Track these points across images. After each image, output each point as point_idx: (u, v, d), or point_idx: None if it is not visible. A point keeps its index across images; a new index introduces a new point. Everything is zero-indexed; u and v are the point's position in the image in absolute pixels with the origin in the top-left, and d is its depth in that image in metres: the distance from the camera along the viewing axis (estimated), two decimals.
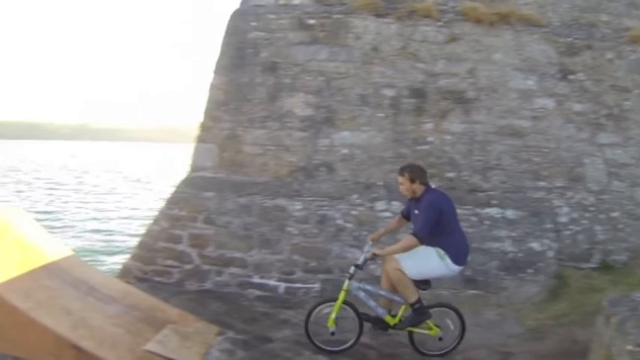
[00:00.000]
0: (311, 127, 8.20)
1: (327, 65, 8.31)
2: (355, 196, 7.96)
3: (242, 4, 8.87)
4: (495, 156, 8.20)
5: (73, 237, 18.95)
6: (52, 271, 5.96)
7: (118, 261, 14.05)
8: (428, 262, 5.24)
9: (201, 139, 8.47)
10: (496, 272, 7.48)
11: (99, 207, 28.08)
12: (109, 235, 20.36)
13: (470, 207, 7.88)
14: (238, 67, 8.41)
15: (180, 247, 7.72)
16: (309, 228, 7.70)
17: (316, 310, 5.58)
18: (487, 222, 7.83)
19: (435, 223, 5.18)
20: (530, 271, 7.51)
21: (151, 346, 5.14)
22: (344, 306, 5.48)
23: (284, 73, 8.32)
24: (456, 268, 5.32)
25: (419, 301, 5.27)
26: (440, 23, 8.43)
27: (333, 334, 5.48)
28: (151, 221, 8.30)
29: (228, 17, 8.84)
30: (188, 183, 8.23)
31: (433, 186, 5.69)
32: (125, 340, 5.18)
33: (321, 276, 7.48)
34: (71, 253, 6.69)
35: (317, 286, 7.45)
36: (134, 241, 16.31)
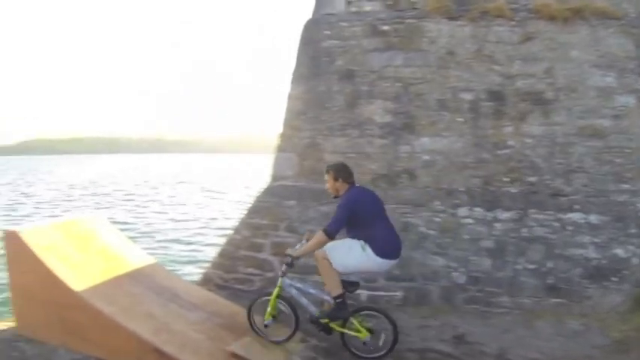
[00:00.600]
0: (391, 133, 8.09)
1: (404, 71, 8.19)
2: (437, 202, 7.81)
3: (314, 13, 8.88)
4: (577, 158, 7.84)
5: (151, 246, 19.34)
6: (135, 278, 6.16)
7: (192, 271, 14.29)
8: (351, 252, 5.30)
9: (281, 149, 8.49)
10: (579, 280, 7.15)
11: (175, 217, 28.60)
12: (186, 245, 20.67)
13: (552, 212, 7.59)
14: (315, 76, 8.40)
15: (262, 255, 7.75)
16: None
17: (258, 301, 5.78)
18: (570, 227, 7.50)
19: (348, 219, 5.29)
20: (614, 279, 7.13)
21: (234, 347, 5.24)
22: (280, 301, 5.63)
23: (361, 81, 8.25)
24: (381, 261, 5.30)
25: (341, 296, 5.32)
26: (513, 23, 8.16)
27: (266, 326, 5.66)
28: (231, 230, 8.36)
29: (301, 27, 8.88)
30: (269, 192, 8.27)
31: (357, 184, 5.83)
32: (206, 345, 5.27)
33: (404, 284, 7.34)
34: (154, 261, 6.89)
35: (399, 294, 7.31)
36: (209, 251, 16.63)
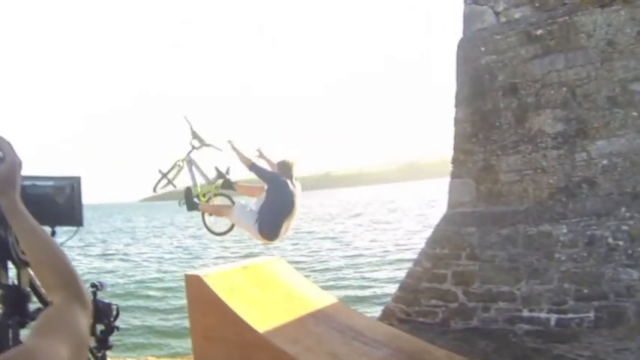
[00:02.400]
0: (564, 142, 7.60)
1: (567, 74, 7.70)
2: (623, 209, 7.18)
3: (465, 31, 8.63)
4: None
5: (328, 284, 19.54)
6: (317, 317, 6.21)
7: (370, 307, 14.21)
8: (246, 217, 6.12)
9: (455, 175, 8.33)
10: None
11: (348, 252, 28.81)
12: (362, 280, 20.63)
13: None
14: (479, 96, 8.17)
15: (445, 285, 7.63)
16: (578, 251, 7.14)
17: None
18: None
19: (268, 183, 6.09)
20: None
21: None
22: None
23: (525, 93, 7.89)
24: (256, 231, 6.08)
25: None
26: None
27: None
28: (407, 263, 8.27)
29: (456, 48, 8.67)
30: (448, 220, 8.14)
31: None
32: None
33: (595, 303, 6.86)
34: (334, 299, 6.93)
35: (591, 315, 6.82)
36: (387, 286, 16.50)
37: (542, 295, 7.08)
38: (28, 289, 2.03)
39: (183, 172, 6.76)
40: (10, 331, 1.92)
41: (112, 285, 21.69)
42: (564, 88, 7.69)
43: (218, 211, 6.56)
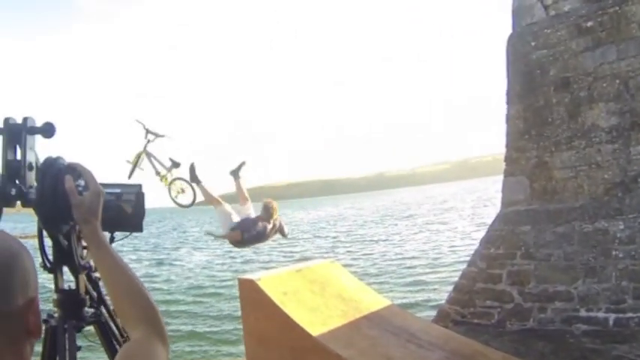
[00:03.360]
0: (619, 136, 7.40)
1: (619, 65, 7.50)
2: None
3: (514, 27, 8.53)
4: None
5: (382, 288, 19.44)
6: (372, 320, 6.15)
7: (423, 310, 14.08)
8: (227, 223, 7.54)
9: (508, 173, 8.21)
10: None
11: (401, 254, 28.63)
12: (415, 284, 20.44)
13: None
14: (530, 92, 8.04)
15: (500, 286, 7.53)
16: (636, 248, 6.93)
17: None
18: None
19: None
20: None
21: None
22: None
23: (578, 87, 7.72)
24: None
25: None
26: None
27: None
28: (461, 264, 8.18)
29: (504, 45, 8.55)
30: (502, 219, 8.03)
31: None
32: None
33: None
34: (388, 302, 6.90)
35: None
36: (441, 288, 16.33)
37: (600, 294, 6.91)
38: (84, 294, 2.09)
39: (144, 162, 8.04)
40: (66, 335, 1.97)
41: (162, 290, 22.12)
42: (617, 81, 7.50)
43: (209, 198, 7.94)
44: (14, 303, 0.96)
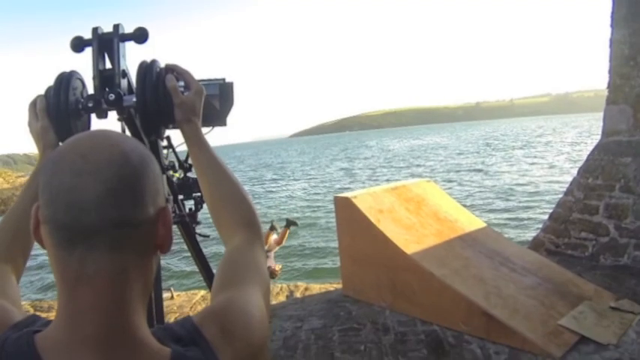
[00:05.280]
0: None
1: None
2: None
3: None
4: None
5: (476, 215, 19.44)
6: (466, 241, 6.16)
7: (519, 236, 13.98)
8: None
9: (611, 101, 7.69)
10: None
11: (498, 185, 28.35)
12: (511, 212, 20.31)
13: None
14: (638, 16, 7.48)
15: (596, 218, 7.25)
16: None
17: None
18: None
19: None
20: None
21: (564, 321, 4.94)
22: None
23: None
24: None
25: None
26: None
27: None
28: (560, 193, 7.95)
29: None
30: (602, 149, 7.63)
31: None
32: (538, 312, 5.05)
33: None
34: (484, 224, 6.84)
35: None
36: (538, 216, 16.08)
37: None
38: (167, 194, 2.19)
39: None
40: None
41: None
42: None
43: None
44: (145, 212, 0.88)
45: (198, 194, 2.42)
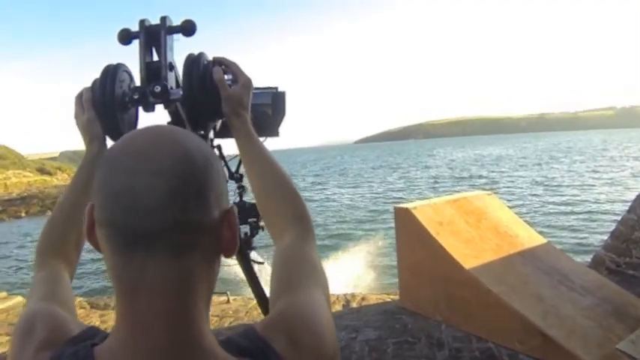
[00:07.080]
0: None
1: None
2: None
3: None
4: None
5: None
6: (525, 257, 6.03)
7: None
8: None
9: None
10: None
11: (557, 200, 27.85)
12: (571, 231, 19.90)
13: None
14: None
15: None
16: None
17: None
18: None
19: None
20: None
21: (623, 345, 4.80)
22: None
23: None
24: None
25: None
26: None
27: None
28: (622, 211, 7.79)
29: None
30: None
31: None
32: (595, 334, 4.93)
33: None
34: (544, 240, 6.69)
35: None
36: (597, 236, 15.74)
37: None
38: None
39: None
40: None
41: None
42: None
43: None
44: (210, 214, 0.82)
45: (254, 219, 2.33)
